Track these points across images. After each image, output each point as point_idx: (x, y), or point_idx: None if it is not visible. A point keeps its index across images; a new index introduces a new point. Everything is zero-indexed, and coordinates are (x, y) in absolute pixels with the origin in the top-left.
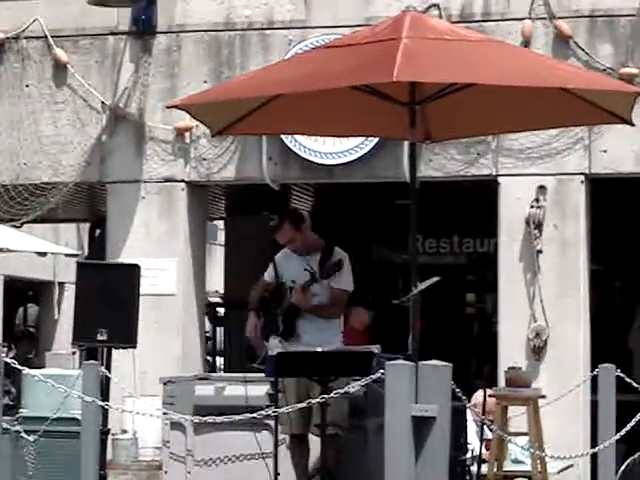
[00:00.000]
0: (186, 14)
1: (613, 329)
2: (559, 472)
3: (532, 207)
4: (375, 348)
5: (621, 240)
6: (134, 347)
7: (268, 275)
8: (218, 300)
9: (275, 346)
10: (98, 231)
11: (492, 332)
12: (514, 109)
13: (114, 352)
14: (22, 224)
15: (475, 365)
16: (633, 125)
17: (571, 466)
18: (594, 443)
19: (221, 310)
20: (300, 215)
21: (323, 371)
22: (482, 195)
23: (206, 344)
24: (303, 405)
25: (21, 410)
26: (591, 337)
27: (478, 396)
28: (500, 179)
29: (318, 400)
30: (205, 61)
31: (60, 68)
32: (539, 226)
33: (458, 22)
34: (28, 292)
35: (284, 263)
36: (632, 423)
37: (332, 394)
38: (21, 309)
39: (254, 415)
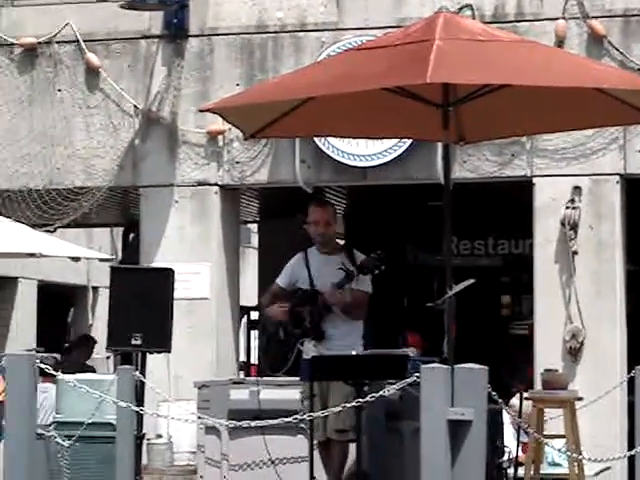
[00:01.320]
0: (218, 17)
1: None
2: (596, 475)
3: (567, 208)
4: (410, 351)
5: None
6: (168, 352)
7: (282, 280)
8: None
9: (310, 350)
10: (131, 235)
11: (510, 334)
12: (548, 109)
13: (148, 357)
14: (55, 229)
15: (511, 368)
16: None
17: (608, 468)
18: (631, 445)
19: (255, 314)
20: (336, 210)
21: (358, 375)
22: (517, 196)
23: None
24: (338, 409)
25: (56, 415)
26: (628, 338)
27: (516, 399)
28: (535, 180)
29: (354, 404)
30: (237, 64)
31: (92, 72)
32: (574, 227)
33: (491, 22)
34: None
35: (310, 266)
36: None
37: (367, 397)
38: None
39: (289, 419)
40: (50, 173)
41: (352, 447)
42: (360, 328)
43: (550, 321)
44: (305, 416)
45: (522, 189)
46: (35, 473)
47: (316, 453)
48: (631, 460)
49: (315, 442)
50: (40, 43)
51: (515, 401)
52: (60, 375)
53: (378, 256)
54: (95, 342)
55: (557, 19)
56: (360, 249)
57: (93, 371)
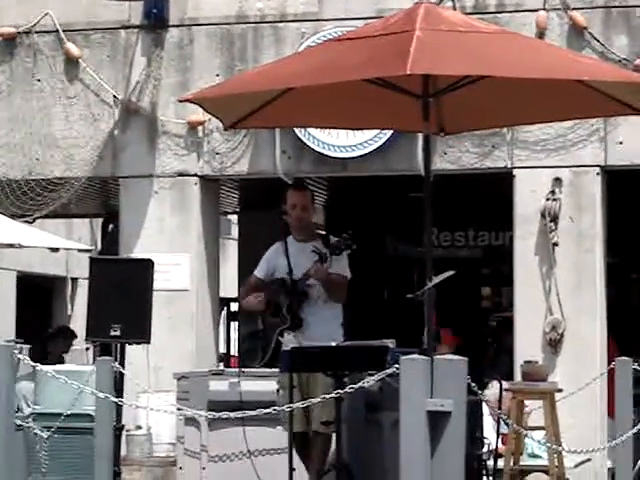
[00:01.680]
0: (198, 7)
1: (629, 322)
2: (576, 466)
3: (548, 199)
4: (390, 342)
5: (638, 232)
6: (148, 343)
7: (259, 272)
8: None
9: (289, 341)
10: (111, 226)
11: (489, 326)
12: (529, 101)
13: (128, 348)
14: (34, 219)
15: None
16: None
17: (588, 460)
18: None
19: (235, 305)
20: (314, 196)
21: (337, 366)
22: (497, 188)
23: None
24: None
25: (35, 407)
26: (607, 330)
27: (492, 388)
28: (515, 171)
29: (333, 395)
30: (217, 54)
31: (72, 62)
32: (555, 219)
33: (472, 13)
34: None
35: (289, 254)
36: None
37: (347, 388)
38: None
39: (268, 410)
40: (29, 163)
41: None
42: (339, 315)
43: (530, 313)
44: (285, 408)
45: (502, 180)
46: (14, 464)
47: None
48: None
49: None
50: (19, 33)
51: (489, 392)
52: (39, 366)
53: (349, 235)
54: (75, 335)
55: (538, 10)
56: (321, 235)
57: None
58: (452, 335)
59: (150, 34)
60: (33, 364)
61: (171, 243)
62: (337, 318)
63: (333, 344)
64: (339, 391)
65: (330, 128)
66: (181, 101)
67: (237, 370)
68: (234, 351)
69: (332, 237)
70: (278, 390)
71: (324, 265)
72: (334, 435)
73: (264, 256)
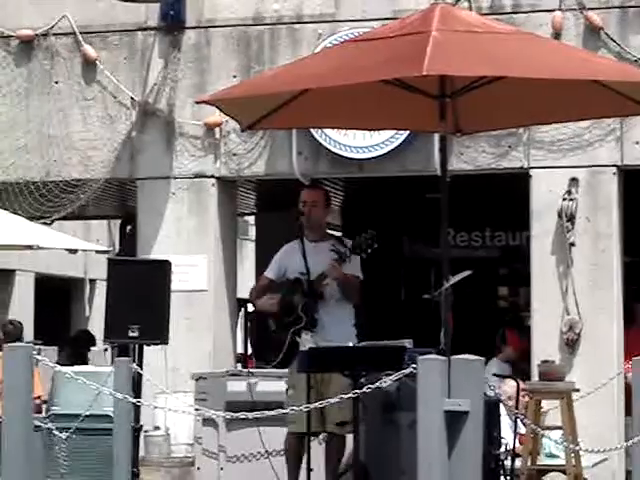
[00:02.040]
0: (215, 9)
1: None
2: (593, 466)
3: (564, 199)
4: (407, 342)
5: None
6: (166, 344)
7: (271, 272)
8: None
9: (307, 341)
10: (129, 227)
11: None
12: (545, 101)
13: (146, 349)
14: (52, 221)
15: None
16: None
17: (606, 460)
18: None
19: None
20: (330, 199)
21: (355, 366)
22: (514, 188)
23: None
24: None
25: (53, 407)
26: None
27: (507, 387)
28: (532, 171)
29: (350, 395)
30: (234, 56)
31: (89, 65)
32: (571, 219)
33: (488, 14)
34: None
35: (307, 255)
36: None
37: (364, 389)
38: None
39: (286, 411)
40: (47, 165)
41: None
42: (352, 316)
43: (547, 313)
44: (303, 408)
45: (519, 181)
46: (33, 465)
47: (315, 444)
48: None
49: (291, 433)
50: (37, 35)
51: (506, 389)
52: (57, 367)
53: (370, 235)
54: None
55: (554, 11)
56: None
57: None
58: (518, 337)
59: (167, 36)
60: (52, 365)
61: (188, 244)
62: (350, 318)
63: (350, 344)
64: (356, 391)
65: (346, 129)
66: (198, 102)
67: (248, 370)
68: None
69: (345, 238)
70: (287, 390)
71: (341, 265)
72: (349, 436)
73: (275, 257)
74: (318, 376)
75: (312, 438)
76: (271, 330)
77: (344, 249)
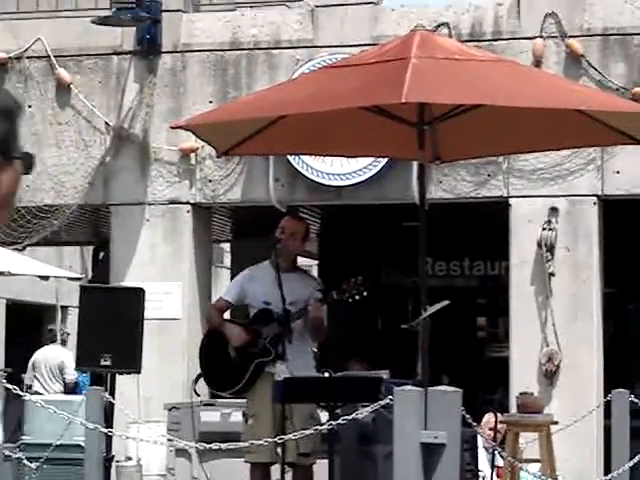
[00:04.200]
0: (191, 33)
1: (626, 353)
2: None
3: (544, 229)
4: (384, 373)
5: (634, 262)
6: (138, 372)
7: (231, 295)
8: None
9: (282, 372)
10: (102, 254)
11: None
12: (525, 129)
13: (118, 377)
14: (25, 247)
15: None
16: None
17: None
18: (607, 470)
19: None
20: (309, 233)
21: (331, 397)
22: (493, 217)
23: None
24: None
25: (23, 437)
26: (604, 361)
27: (484, 419)
28: (511, 200)
29: (326, 427)
30: (211, 81)
31: (63, 88)
32: (551, 248)
33: (468, 41)
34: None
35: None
36: None
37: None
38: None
39: (260, 442)
40: (19, 190)
41: (321, 470)
42: (312, 346)
43: (526, 343)
44: (277, 439)
45: (498, 210)
46: None
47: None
48: None
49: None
50: (10, 58)
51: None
52: (27, 396)
53: (361, 281)
54: None
55: (535, 38)
56: (334, 269)
57: None
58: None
59: (143, 60)
60: (21, 394)
61: (163, 271)
62: (311, 349)
63: (326, 375)
64: (332, 422)
65: (324, 156)
66: (173, 128)
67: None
68: None
69: (313, 275)
70: (246, 420)
71: (322, 305)
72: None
73: (236, 279)
74: (280, 406)
75: (288, 470)
76: (230, 356)
77: (333, 291)
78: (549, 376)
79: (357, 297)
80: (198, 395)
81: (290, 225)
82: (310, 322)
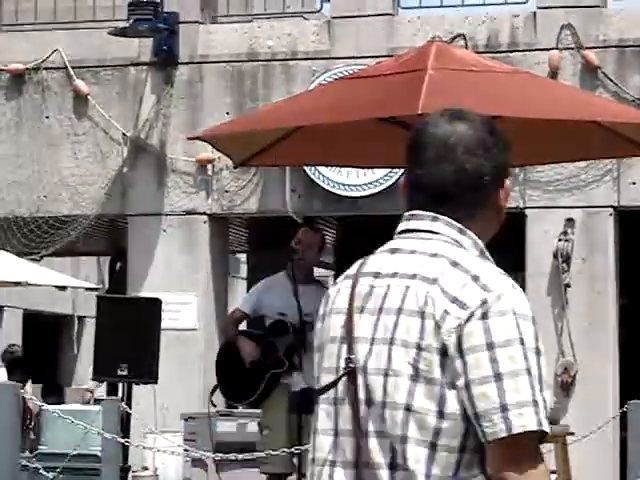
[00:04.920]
0: (208, 45)
1: None
2: None
3: (560, 240)
4: None
5: None
6: (155, 383)
7: (247, 306)
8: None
9: (298, 382)
10: (119, 264)
11: None
12: (542, 141)
13: (135, 387)
14: (42, 257)
15: None
16: None
17: None
18: None
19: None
20: (326, 243)
21: None
22: (509, 228)
23: None
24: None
25: (40, 447)
26: (620, 372)
27: None
28: (527, 212)
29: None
30: (227, 92)
31: (81, 99)
32: (567, 260)
33: (484, 52)
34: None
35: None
36: None
37: None
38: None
39: (277, 452)
40: (37, 201)
41: None
42: None
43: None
44: (293, 450)
45: (514, 221)
46: None
47: None
48: None
49: (268, 473)
50: (28, 69)
51: None
52: (45, 406)
53: None
54: None
55: (551, 49)
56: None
57: None
58: None
59: (160, 71)
60: (40, 404)
61: (179, 282)
62: None
63: None
64: None
65: (340, 167)
66: (190, 139)
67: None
68: None
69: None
70: (261, 431)
71: None
72: None
73: (252, 290)
74: (294, 416)
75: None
76: (245, 367)
77: None
78: (565, 387)
79: None
80: (214, 405)
81: (306, 236)
82: None
